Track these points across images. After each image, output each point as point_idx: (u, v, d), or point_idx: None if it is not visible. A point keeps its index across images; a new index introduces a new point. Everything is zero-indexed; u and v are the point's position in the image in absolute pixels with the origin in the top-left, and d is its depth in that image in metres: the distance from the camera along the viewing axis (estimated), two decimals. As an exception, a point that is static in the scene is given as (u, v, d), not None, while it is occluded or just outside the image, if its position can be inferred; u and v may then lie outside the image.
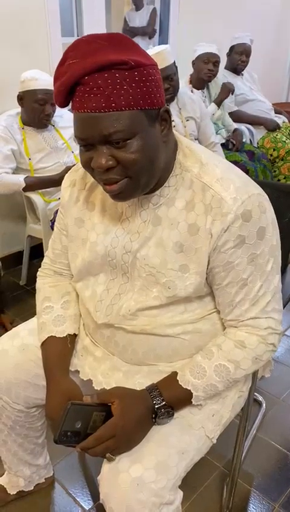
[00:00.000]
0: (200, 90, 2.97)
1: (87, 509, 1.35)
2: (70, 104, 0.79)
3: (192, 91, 2.91)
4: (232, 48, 3.33)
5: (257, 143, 3.36)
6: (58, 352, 1.02)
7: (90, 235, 0.97)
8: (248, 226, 0.84)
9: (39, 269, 1.17)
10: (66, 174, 1.05)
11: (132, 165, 0.79)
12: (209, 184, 0.85)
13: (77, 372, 1.03)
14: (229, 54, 3.36)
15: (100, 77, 0.73)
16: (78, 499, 1.37)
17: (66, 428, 0.80)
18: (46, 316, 1.06)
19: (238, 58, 3.31)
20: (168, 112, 0.82)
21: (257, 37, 3.46)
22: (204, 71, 2.86)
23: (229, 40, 3.31)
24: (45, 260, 1.16)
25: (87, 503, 1.36)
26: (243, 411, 1.17)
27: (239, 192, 0.83)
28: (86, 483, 1.42)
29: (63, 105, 0.80)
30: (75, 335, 1.05)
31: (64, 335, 1.03)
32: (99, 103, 0.74)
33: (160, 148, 0.82)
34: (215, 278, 0.89)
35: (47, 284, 1.12)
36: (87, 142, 0.79)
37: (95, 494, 1.39)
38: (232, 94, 3.10)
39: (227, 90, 3.02)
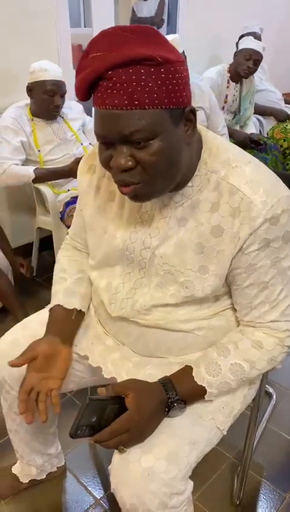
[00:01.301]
0: (234, 83, 2.92)
1: (99, 498, 1.36)
2: (92, 99, 0.76)
3: (228, 81, 2.87)
4: (241, 37, 3.28)
5: (267, 133, 3.32)
6: (58, 319, 1.02)
7: (110, 226, 0.95)
8: (275, 230, 0.82)
9: (63, 241, 1.19)
10: (83, 159, 1.02)
11: (151, 168, 0.75)
12: (238, 186, 0.81)
13: (87, 357, 1.04)
14: (238, 44, 3.32)
15: (124, 72, 0.69)
16: (89, 488, 1.39)
17: (83, 423, 0.81)
18: (58, 286, 1.07)
19: None
20: (193, 112, 0.77)
21: (267, 26, 3.41)
22: (243, 67, 2.80)
23: (239, 29, 3.26)
24: (68, 234, 1.18)
25: (98, 492, 1.38)
26: (254, 402, 1.17)
27: (269, 195, 0.80)
28: (97, 472, 1.44)
29: (84, 99, 0.76)
30: (81, 312, 1.05)
31: (71, 307, 1.03)
32: (122, 100, 0.70)
33: (182, 151, 0.78)
34: (235, 278, 0.88)
35: (66, 256, 1.14)
36: (107, 140, 0.76)
37: (106, 484, 1.40)
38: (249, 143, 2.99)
39: (243, 137, 2.93)
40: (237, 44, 3.33)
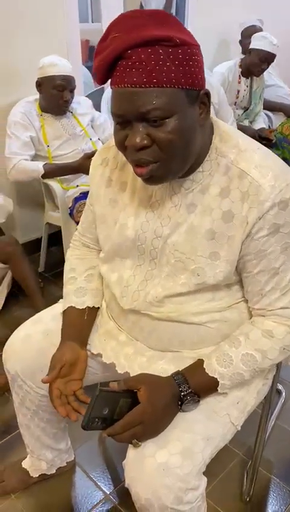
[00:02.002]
0: (245, 78, 2.90)
1: (108, 493, 1.36)
2: (110, 80, 0.76)
3: (240, 77, 2.85)
4: (242, 34, 3.27)
5: (276, 129, 3.30)
6: (73, 323, 1.04)
7: (121, 217, 0.96)
8: (284, 215, 0.82)
9: (71, 240, 1.19)
10: (97, 152, 1.03)
11: (167, 146, 0.76)
12: (247, 171, 0.82)
13: (100, 355, 1.04)
14: (241, 41, 3.30)
15: (143, 52, 0.71)
16: (98, 483, 1.39)
17: (94, 414, 0.81)
18: (69, 287, 1.08)
19: (249, 41, 3.24)
20: (208, 95, 0.79)
21: (275, 20, 3.37)
22: (257, 68, 2.80)
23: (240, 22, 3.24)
24: (76, 232, 1.17)
25: (107, 487, 1.38)
26: (265, 399, 1.17)
27: (278, 180, 0.81)
28: (106, 467, 1.44)
29: (102, 81, 0.77)
30: (94, 308, 1.06)
31: (84, 307, 1.04)
32: (140, 78, 0.72)
33: (197, 132, 0.80)
34: (246, 265, 0.88)
35: (74, 255, 1.14)
36: (124, 118, 0.77)
37: (115, 479, 1.40)
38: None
39: (252, 133, 2.91)
40: (240, 42, 3.31)
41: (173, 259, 0.90)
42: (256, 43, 2.81)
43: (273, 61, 2.80)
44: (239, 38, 3.33)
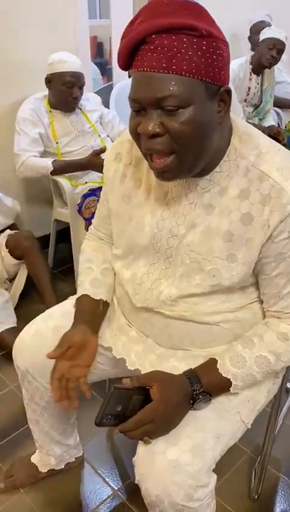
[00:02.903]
0: (255, 76, 2.87)
1: (116, 489, 1.37)
2: (132, 66, 0.76)
3: (250, 74, 2.83)
4: (251, 30, 3.25)
5: (285, 126, 3.28)
6: (87, 309, 1.03)
7: (137, 214, 0.95)
8: None
9: (88, 232, 1.19)
10: (111, 146, 1.02)
11: (179, 137, 0.75)
12: (269, 173, 0.81)
13: (110, 349, 1.04)
14: (250, 37, 3.28)
15: (167, 38, 0.70)
16: (107, 479, 1.39)
17: (108, 411, 0.81)
18: (85, 276, 1.08)
19: (258, 37, 3.21)
20: (229, 93, 0.77)
21: (283, 15, 3.34)
22: (266, 56, 2.75)
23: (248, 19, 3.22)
24: (92, 225, 1.17)
25: (116, 483, 1.38)
26: (275, 398, 1.16)
27: None
28: (114, 463, 1.44)
29: (124, 66, 0.77)
30: (106, 303, 1.06)
31: (98, 298, 1.04)
32: (160, 63, 0.71)
33: (214, 128, 0.78)
34: (264, 267, 0.88)
35: (91, 246, 1.14)
36: (140, 104, 0.76)
37: (123, 475, 1.41)
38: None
39: (262, 131, 2.90)
40: (249, 38, 3.29)
41: (188, 260, 0.89)
42: (263, 35, 2.80)
43: (282, 50, 2.75)
44: (248, 34, 3.31)
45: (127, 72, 3.05)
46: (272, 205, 0.81)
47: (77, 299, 1.06)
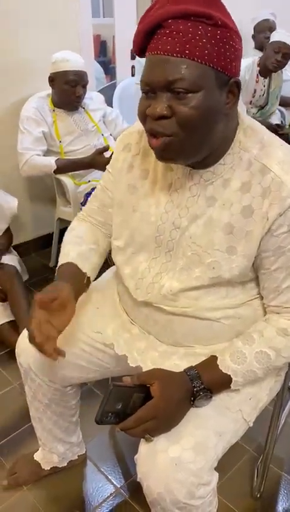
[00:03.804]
0: (263, 78, 2.85)
1: (119, 486, 1.37)
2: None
3: (257, 76, 2.81)
4: (254, 29, 3.23)
5: (288, 125, 3.27)
6: (72, 275, 0.98)
7: (142, 205, 0.95)
8: None
9: (76, 216, 1.16)
10: (120, 137, 1.03)
11: (185, 121, 0.76)
12: (270, 166, 0.82)
13: (112, 346, 1.04)
14: (253, 35, 3.27)
15: (183, 23, 0.73)
16: (109, 477, 1.40)
17: (108, 409, 0.81)
18: (72, 246, 1.04)
19: (263, 35, 3.20)
20: (238, 85, 0.79)
21: (286, 15, 3.33)
22: (271, 60, 2.73)
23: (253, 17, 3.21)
24: (82, 211, 1.16)
25: (118, 481, 1.39)
26: (277, 396, 1.16)
27: None
28: (117, 461, 1.45)
29: (139, 51, 0.79)
30: (89, 280, 1.03)
31: (84, 271, 1.01)
32: (174, 47, 0.73)
33: (220, 117, 0.79)
34: (263, 262, 0.88)
35: (82, 226, 1.11)
36: (151, 86, 0.77)
37: (126, 473, 1.41)
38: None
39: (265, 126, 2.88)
40: (253, 36, 3.28)
41: (189, 252, 0.90)
42: (271, 38, 2.77)
43: (288, 54, 2.72)
44: (251, 33, 3.30)
45: (130, 70, 3.05)
46: (272, 198, 0.81)
47: (61, 265, 1.01)
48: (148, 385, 0.86)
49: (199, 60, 0.73)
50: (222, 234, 0.86)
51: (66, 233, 1.12)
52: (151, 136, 0.81)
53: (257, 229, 0.84)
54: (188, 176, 0.88)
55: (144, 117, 0.81)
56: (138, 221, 0.95)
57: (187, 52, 0.73)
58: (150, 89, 0.78)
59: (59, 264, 1.03)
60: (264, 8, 3.25)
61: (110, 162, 1.04)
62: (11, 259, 2.09)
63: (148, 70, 0.77)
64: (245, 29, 3.31)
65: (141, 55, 0.80)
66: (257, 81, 2.86)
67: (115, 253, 1.04)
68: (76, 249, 1.04)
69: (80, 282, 1.00)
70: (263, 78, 2.86)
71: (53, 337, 0.88)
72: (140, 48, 0.79)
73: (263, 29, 3.18)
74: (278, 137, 0.89)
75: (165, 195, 0.92)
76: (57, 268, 1.03)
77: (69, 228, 1.13)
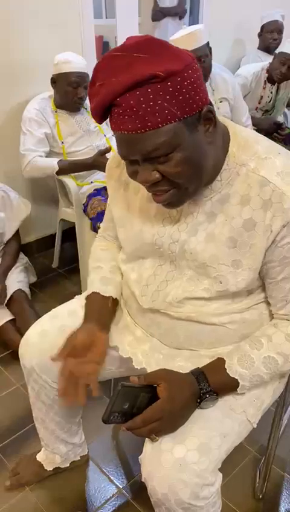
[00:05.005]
0: (270, 84, 2.81)
1: (121, 487, 1.37)
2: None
3: (265, 82, 2.79)
4: (262, 27, 3.22)
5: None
6: (96, 305, 1.05)
7: (137, 222, 0.96)
8: None
9: (98, 233, 1.22)
10: (112, 156, 1.04)
11: (177, 177, 0.77)
12: (269, 178, 0.81)
13: (117, 348, 1.04)
14: (260, 34, 3.26)
15: (132, 97, 0.70)
16: (112, 477, 1.40)
17: (115, 409, 0.82)
18: (95, 275, 1.10)
19: (270, 36, 3.19)
20: (211, 111, 0.77)
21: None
22: (276, 71, 2.68)
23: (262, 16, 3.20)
24: (100, 228, 1.20)
25: (120, 482, 1.39)
26: (280, 397, 1.16)
27: None
28: (119, 462, 1.45)
29: (101, 123, 0.79)
30: (116, 300, 1.07)
31: (107, 295, 1.05)
32: (134, 125, 0.72)
33: (206, 151, 0.79)
34: (269, 272, 0.88)
35: (99, 247, 1.17)
36: (130, 158, 0.78)
37: (128, 473, 1.41)
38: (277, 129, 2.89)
39: (268, 124, 2.86)
40: (259, 35, 3.28)
41: (193, 266, 0.90)
42: (281, 48, 2.72)
43: None
44: (257, 31, 3.28)
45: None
46: (274, 210, 0.81)
47: (87, 296, 1.08)
48: (155, 385, 0.86)
49: (163, 124, 0.71)
50: (226, 249, 0.86)
51: (90, 257, 1.17)
52: (154, 194, 0.82)
53: (260, 242, 0.84)
54: None
55: (136, 180, 0.81)
56: (137, 236, 0.96)
57: (149, 124, 0.71)
58: (130, 160, 0.78)
59: (86, 293, 1.09)
60: (270, 6, 3.22)
61: (106, 180, 1.05)
62: (17, 276, 2.09)
63: (120, 146, 0.77)
64: (249, 26, 3.31)
65: (102, 122, 0.79)
66: (264, 88, 2.81)
67: (121, 263, 1.07)
68: (98, 276, 1.09)
69: (105, 309, 1.05)
70: (270, 84, 2.81)
71: (84, 384, 0.97)
72: (102, 121, 0.78)
73: (272, 30, 3.16)
74: (274, 143, 0.89)
75: (162, 211, 0.92)
76: (85, 297, 1.09)
77: (91, 250, 1.19)
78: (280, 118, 3.11)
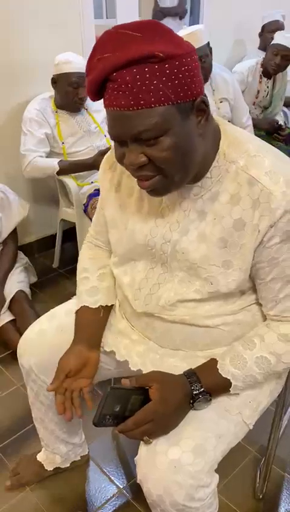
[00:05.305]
0: (266, 79, 2.85)
1: (122, 487, 1.38)
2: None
3: (261, 77, 2.82)
4: (263, 27, 3.22)
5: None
6: (85, 322, 1.05)
7: (130, 222, 0.96)
8: None
9: (85, 240, 1.20)
10: (106, 155, 1.03)
11: (164, 163, 0.76)
12: (257, 177, 0.81)
13: (113, 352, 1.05)
14: (261, 34, 3.25)
15: (129, 73, 0.69)
16: (112, 477, 1.40)
17: (106, 411, 0.82)
18: (82, 287, 1.09)
19: (271, 36, 3.17)
20: (205, 102, 0.77)
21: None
22: (271, 62, 2.73)
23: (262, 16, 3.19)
24: (89, 232, 1.18)
25: (121, 482, 1.39)
26: (279, 397, 1.16)
27: (289, 186, 0.79)
28: (120, 462, 1.45)
29: (95, 100, 0.78)
30: (108, 307, 1.07)
31: (97, 305, 1.05)
32: (128, 101, 0.71)
33: (195, 143, 0.78)
34: (259, 273, 0.88)
35: (87, 255, 1.15)
36: (119, 139, 0.77)
37: (129, 473, 1.41)
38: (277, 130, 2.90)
39: (268, 123, 2.88)
40: (259, 34, 3.27)
41: (185, 267, 0.90)
42: (273, 40, 2.75)
43: (288, 56, 2.69)
44: (257, 31, 3.28)
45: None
46: (262, 210, 0.80)
47: (76, 311, 1.07)
48: (146, 387, 0.86)
49: (157, 105, 0.71)
50: (217, 249, 0.86)
51: (78, 265, 1.16)
52: (139, 179, 0.81)
53: (249, 242, 0.84)
54: (178, 193, 0.88)
55: (123, 164, 0.81)
56: (130, 237, 0.96)
57: (142, 102, 0.70)
58: (119, 141, 0.78)
59: (76, 307, 1.08)
60: (270, 7, 3.22)
61: (99, 182, 1.05)
62: (17, 276, 2.09)
63: (111, 125, 0.76)
64: (249, 26, 3.30)
65: (97, 100, 0.78)
66: (260, 82, 2.85)
67: (113, 267, 1.07)
68: (85, 288, 1.08)
69: (96, 323, 1.06)
70: (266, 79, 2.84)
71: (77, 398, 1.01)
72: (96, 99, 0.77)
73: (272, 30, 3.15)
74: (265, 142, 0.88)
75: (155, 211, 0.92)
76: (75, 313, 1.08)
77: (79, 257, 1.17)
78: (280, 118, 3.10)
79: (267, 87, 2.86)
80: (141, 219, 0.94)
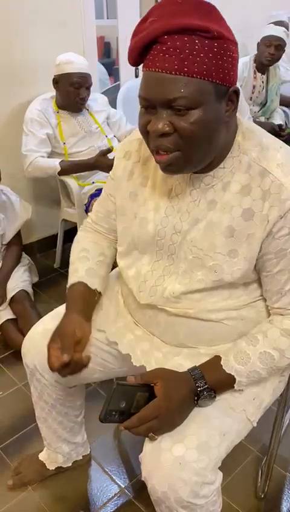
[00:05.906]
0: (260, 74, 2.91)
1: (123, 486, 1.38)
2: (143, 64, 0.77)
3: (255, 72, 2.88)
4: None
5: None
6: (82, 295, 1.03)
7: (141, 211, 0.96)
8: None
9: (82, 224, 1.19)
10: (120, 144, 1.04)
11: (188, 136, 0.76)
12: (269, 169, 0.82)
13: (116, 343, 1.05)
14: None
15: (180, 39, 0.71)
16: (114, 477, 1.40)
17: (112, 407, 0.82)
18: (80, 264, 1.07)
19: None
20: (237, 93, 0.79)
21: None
22: (265, 54, 2.80)
23: (267, 18, 3.20)
24: (88, 219, 1.17)
25: (122, 481, 1.39)
26: (281, 396, 1.16)
27: None
28: (121, 461, 1.45)
29: (134, 63, 0.78)
30: (100, 294, 1.06)
31: (94, 288, 1.04)
32: (172, 64, 0.72)
33: (221, 127, 0.80)
34: (265, 264, 0.88)
35: (88, 238, 1.14)
36: (150, 102, 0.77)
37: (130, 473, 1.42)
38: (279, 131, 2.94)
39: (271, 127, 2.90)
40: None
41: (190, 256, 0.90)
42: (261, 34, 2.85)
43: (281, 45, 2.78)
44: (258, 32, 3.29)
45: (134, 72, 3.04)
46: (272, 200, 0.82)
47: (71, 285, 1.04)
48: (151, 384, 0.86)
49: (198, 76, 0.72)
50: (223, 238, 0.87)
51: (73, 246, 1.13)
52: (156, 151, 0.81)
53: (258, 232, 0.84)
54: (189, 181, 0.89)
55: (145, 132, 0.81)
56: (138, 226, 0.96)
57: (185, 69, 0.72)
58: (149, 105, 0.78)
59: (70, 282, 1.05)
60: (272, 8, 3.25)
61: (112, 169, 1.05)
62: (21, 276, 2.10)
63: (146, 87, 0.77)
64: (254, 29, 3.31)
65: (136, 66, 0.80)
66: (254, 77, 2.93)
67: (118, 257, 1.06)
68: (84, 266, 1.06)
69: (91, 301, 1.04)
70: (260, 74, 2.93)
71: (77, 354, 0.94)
72: (136, 62, 0.78)
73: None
74: (277, 139, 0.90)
75: (165, 200, 0.92)
76: (68, 286, 1.05)
77: (75, 239, 1.15)
78: (280, 118, 3.12)
79: (262, 82, 2.95)
80: (151, 208, 0.94)
